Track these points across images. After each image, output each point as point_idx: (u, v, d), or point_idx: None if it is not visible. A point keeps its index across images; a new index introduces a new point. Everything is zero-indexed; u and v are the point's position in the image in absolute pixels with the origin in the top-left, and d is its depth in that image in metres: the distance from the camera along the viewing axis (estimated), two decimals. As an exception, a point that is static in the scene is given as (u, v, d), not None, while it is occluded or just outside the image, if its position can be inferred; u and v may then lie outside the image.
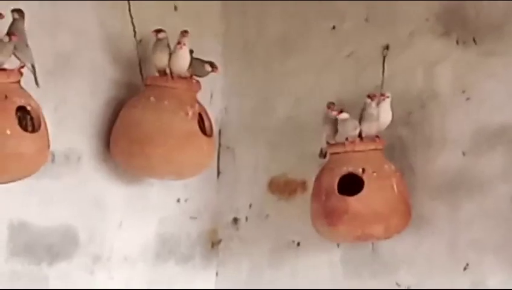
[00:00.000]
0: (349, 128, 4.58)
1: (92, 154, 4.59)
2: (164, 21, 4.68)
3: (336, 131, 4.63)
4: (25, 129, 4.02)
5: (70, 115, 4.46)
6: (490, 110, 4.62)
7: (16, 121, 3.97)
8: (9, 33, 3.98)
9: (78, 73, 4.50)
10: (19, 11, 4.00)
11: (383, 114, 4.61)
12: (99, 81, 4.60)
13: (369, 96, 4.59)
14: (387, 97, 4.61)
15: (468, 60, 4.67)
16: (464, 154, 4.67)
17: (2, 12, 3.96)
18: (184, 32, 4.55)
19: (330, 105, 4.62)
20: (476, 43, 4.66)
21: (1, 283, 4.21)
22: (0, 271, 4.21)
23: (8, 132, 3.93)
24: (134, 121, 4.55)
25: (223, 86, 5.16)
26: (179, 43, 4.54)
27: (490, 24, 4.64)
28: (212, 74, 4.74)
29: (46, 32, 4.22)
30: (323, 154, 4.70)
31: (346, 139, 4.59)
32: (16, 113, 3.99)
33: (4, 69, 3.99)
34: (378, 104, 4.61)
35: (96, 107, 4.60)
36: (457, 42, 4.71)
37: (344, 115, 4.56)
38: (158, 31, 4.57)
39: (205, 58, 4.65)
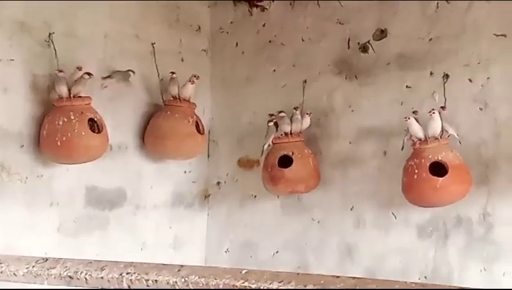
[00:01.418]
0: (285, 127, 4.56)
1: (134, 146, 4.61)
2: (175, 67, 4.67)
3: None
4: (93, 131, 4.12)
5: (121, 123, 4.51)
6: (364, 117, 4.59)
7: (87, 127, 4.08)
8: (88, 73, 4.06)
9: (126, 98, 4.55)
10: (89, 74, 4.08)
11: (305, 121, 4.60)
12: (138, 103, 4.63)
13: (295, 108, 4.59)
14: (308, 114, 4.59)
15: (352, 88, 4.64)
16: (350, 143, 4.64)
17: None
18: (193, 76, 4.60)
19: (271, 115, 4.64)
20: (357, 79, 4.63)
21: (81, 221, 4.30)
22: (80, 214, 4.30)
23: (83, 133, 4.06)
24: (158, 125, 4.57)
25: (211, 105, 5.10)
26: (190, 81, 4.57)
27: (364, 68, 4.60)
28: (204, 97, 4.84)
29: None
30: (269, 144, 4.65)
31: (286, 134, 4.57)
32: (88, 122, 4.09)
33: (81, 96, 4.09)
34: (302, 115, 4.59)
35: (136, 118, 4.61)
36: (345, 78, 4.66)
37: (270, 123, 4.58)
38: (172, 72, 4.59)
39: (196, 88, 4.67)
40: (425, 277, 4.35)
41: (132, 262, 2.07)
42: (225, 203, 5.08)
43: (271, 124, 4.60)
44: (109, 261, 2.09)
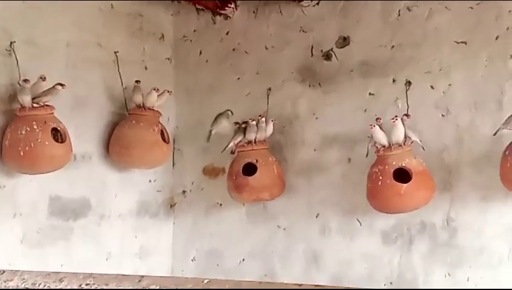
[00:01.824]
0: (251, 135, 4.52)
1: (98, 155, 4.55)
2: (139, 76, 4.63)
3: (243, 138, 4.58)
4: (57, 141, 4.06)
5: (85, 132, 4.44)
6: (329, 124, 4.59)
7: (51, 136, 4.02)
8: (60, 84, 4.01)
9: (89, 108, 4.49)
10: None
11: (268, 128, 4.56)
12: (101, 112, 4.58)
13: (260, 116, 4.57)
14: (272, 120, 4.56)
15: (316, 96, 4.64)
16: (315, 150, 4.63)
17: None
18: (165, 91, 4.62)
19: (236, 123, 4.63)
20: (320, 86, 4.63)
21: (44, 232, 4.23)
22: (44, 225, 4.24)
23: (46, 143, 4.00)
24: (123, 134, 4.53)
25: (175, 114, 5.07)
26: (155, 89, 4.53)
27: (328, 75, 4.61)
28: (168, 106, 4.80)
29: (70, 85, 4.14)
30: (233, 152, 4.64)
31: (249, 142, 4.54)
32: (51, 132, 4.03)
33: (48, 105, 4.03)
34: (266, 122, 4.56)
35: (100, 127, 4.56)
36: (309, 86, 4.67)
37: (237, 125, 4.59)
38: (137, 81, 4.55)
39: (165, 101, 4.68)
40: (390, 283, 4.36)
41: (92, 273, 2.03)
42: (191, 211, 5.04)
43: (237, 126, 4.59)
44: (68, 273, 2.04)
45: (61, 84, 4.02)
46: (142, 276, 2.00)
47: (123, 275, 2.04)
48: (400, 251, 4.34)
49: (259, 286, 1.85)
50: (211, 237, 4.96)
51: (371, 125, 4.10)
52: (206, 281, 1.92)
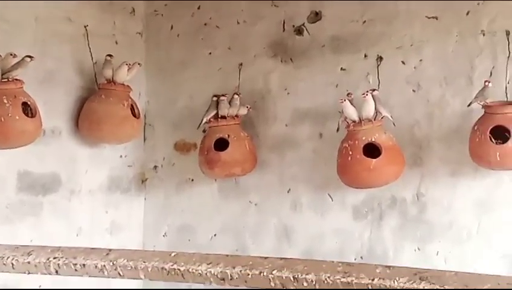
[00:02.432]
0: (223, 110, 4.55)
1: (68, 130, 4.52)
2: (109, 50, 4.59)
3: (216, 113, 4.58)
4: (27, 115, 4.04)
5: (54, 107, 4.41)
6: (300, 100, 4.60)
7: (21, 111, 4.00)
8: (29, 56, 3.98)
9: (58, 82, 4.45)
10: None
11: (242, 110, 4.57)
12: (71, 86, 4.53)
13: (235, 94, 4.59)
14: (248, 107, 4.58)
15: (288, 71, 4.65)
16: (286, 125, 4.65)
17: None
18: (135, 63, 4.59)
19: (214, 96, 4.62)
20: (292, 61, 4.64)
21: (13, 207, 4.22)
22: (12, 200, 4.22)
23: (17, 117, 3.97)
24: (93, 110, 4.49)
25: (146, 89, 5.05)
26: (126, 64, 4.52)
27: (299, 50, 4.61)
28: (139, 81, 4.79)
29: (39, 60, 4.13)
30: (203, 129, 4.66)
31: (222, 117, 4.55)
32: (22, 106, 4.01)
33: (17, 79, 4.00)
34: (240, 98, 4.58)
35: (70, 102, 4.52)
36: (281, 61, 4.67)
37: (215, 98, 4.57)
38: (109, 55, 4.52)
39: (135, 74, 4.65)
40: (361, 257, 4.42)
41: (60, 247, 2.04)
42: (162, 187, 5.05)
43: (215, 98, 4.59)
44: (36, 246, 2.06)
45: (30, 57, 3.99)
46: (110, 249, 2.02)
47: (91, 248, 2.05)
48: (370, 225, 4.40)
49: (226, 259, 1.88)
50: (183, 212, 4.98)
51: (341, 100, 4.14)
52: (173, 254, 1.94)
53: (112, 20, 4.84)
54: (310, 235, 4.58)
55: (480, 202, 4.11)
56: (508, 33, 4.03)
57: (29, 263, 2.03)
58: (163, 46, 5.06)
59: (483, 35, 4.12)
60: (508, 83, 4.00)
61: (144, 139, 5.09)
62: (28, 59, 3.99)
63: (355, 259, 4.42)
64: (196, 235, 4.92)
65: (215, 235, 4.86)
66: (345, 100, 4.12)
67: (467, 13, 4.17)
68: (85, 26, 4.59)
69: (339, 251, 4.45)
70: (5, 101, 3.96)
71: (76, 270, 2.00)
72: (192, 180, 4.93)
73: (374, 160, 4.02)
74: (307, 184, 4.59)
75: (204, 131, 4.67)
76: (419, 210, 4.27)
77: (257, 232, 4.74)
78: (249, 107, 4.61)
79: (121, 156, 4.91)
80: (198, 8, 4.98)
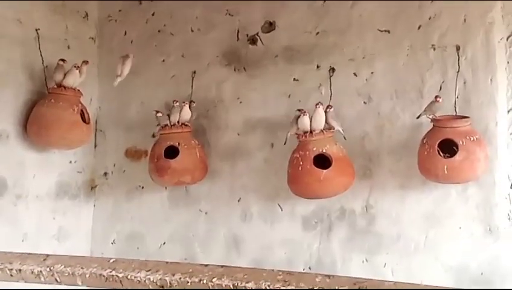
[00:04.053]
0: (174, 118, 4.51)
1: (16, 134, 4.44)
2: (61, 55, 4.53)
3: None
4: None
5: (2, 110, 4.33)
6: (253, 109, 4.60)
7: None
8: None
9: (7, 84, 4.37)
10: None
11: (184, 111, 4.53)
12: (20, 90, 4.46)
13: (181, 101, 4.55)
14: (187, 103, 4.52)
15: (241, 80, 4.65)
16: (238, 134, 4.65)
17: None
18: (83, 63, 4.51)
19: (157, 110, 4.58)
20: (245, 70, 4.64)
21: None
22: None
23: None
24: (41, 114, 4.42)
25: (98, 94, 5.01)
26: (75, 67, 4.45)
27: (253, 60, 4.62)
28: (91, 86, 4.71)
29: None
30: (154, 136, 4.62)
31: (173, 124, 4.51)
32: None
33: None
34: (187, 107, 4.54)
35: (19, 105, 4.44)
36: (234, 70, 4.67)
37: (159, 114, 4.52)
38: (62, 60, 4.46)
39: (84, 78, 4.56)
40: (309, 268, 4.41)
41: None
42: (112, 194, 5.01)
43: (159, 114, 4.54)
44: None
45: None
46: (48, 255, 1.97)
47: (28, 253, 2.00)
48: (319, 236, 4.39)
49: (165, 266, 1.85)
50: (132, 220, 4.94)
51: (302, 111, 4.10)
52: (111, 260, 1.90)
53: (64, 24, 4.78)
54: (259, 245, 4.56)
55: (427, 215, 4.13)
56: (458, 48, 4.07)
57: (-37, 267, 1.97)
58: (117, 51, 4.99)
59: (434, 49, 4.15)
60: (457, 97, 4.04)
61: (95, 145, 5.04)
62: None
63: (303, 269, 4.39)
64: (145, 243, 4.87)
65: (164, 243, 4.81)
66: (304, 112, 4.09)
67: (419, 27, 4.21)
68: (36, 30, 4.52)
69: (288, 261, 4.44)
70: (-49, 104, 3.88)
71: (11, 275, 1.95)
72: (143, 187, 4.89)
73: (324, 171, 4.01)
74: (257, 194, 4.58)
75: (153, 136, 4.63)
76: (368, 222, 4.28)
77: (206, 241, 4.70)
78: (192, 101, 4.59)
79: (70, 162, 4.85)
80: (153, 14, 4.95)
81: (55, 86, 4.47)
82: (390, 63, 4.27)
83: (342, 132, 4.15)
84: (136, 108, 4.96)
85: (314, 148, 4.06)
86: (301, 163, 4.06)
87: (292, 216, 4.46)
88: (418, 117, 3.98)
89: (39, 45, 4.52)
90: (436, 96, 3.92)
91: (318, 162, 4.05)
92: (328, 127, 4.14)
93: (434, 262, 4.09)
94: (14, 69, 4.42)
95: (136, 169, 4.90)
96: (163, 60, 4.89)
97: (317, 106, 4.11)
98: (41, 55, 4.53)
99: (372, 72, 4.31)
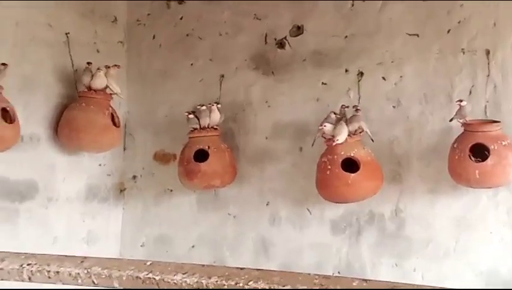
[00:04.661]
0: (204, 121, 4.53)
1: (47, 137, 4.48)
2: (91, 58, 4.57)
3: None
4: (6, 121, 4.00)
5: (33, 113, 4.37)
6: (281, 113, 4.61)
7: (0, 117, 3.96)
8: (3, 63, 3.94)
9: (38, 88, 4.41)
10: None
11: (214, 114, 4.55)
12: (51, 93, 4.50)
13: (210, 104, 4.57)
14: (214, 105, 4.53)
15: (269, 84, 4.66)
16: (267, 138, 4.65)
17: None
18: (113, 67, 4.54)
19: (189, 111, 4.59)
20: (273, 74, 4.65)
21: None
22: (-12, 207, 4.17)
23: (-5, 123, 3.94)
24: (73, 117, 4.46)
25: (127, 97, 5.03)
26: (103, 70, 4.48)
27: (281, 64, 4.63)
28: (121, 90, 4.70)
29: (17, 64, 4.14)
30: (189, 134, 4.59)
31: (203, 127, 4.53)
32: (1, 112, 3.98)
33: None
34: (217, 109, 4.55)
35: (49, 109, 4.48)
36: (262, 73, 4.69)
37: (191, 116, 4.53)
38: (88, 63, 4.50)
39: (115, 84, 4.59)
40: (338, 272, 4.40)
41: (34, 253, 2.01)
42: (141, 197, 5.04)
43: (191, 116, 4.56)
44: (10, 252, 2.02)
45: (4, 64, 3.96)
46: (85, 257, 1.99)
47: (66, 255, 2.02)
48: (348, 240, 4.39)
49: (201, 269, 1.86)
50: (161, 223, 4.96)
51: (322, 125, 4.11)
52: (148, 263, 1.92)
53: (93, 28, 4.82)
54: (287, 248, 4.56)
55: (458, 220, 4.12)
56: (487, 52, 4.05)
57: (2, 269, 1.99)
58: (145, 55, 5.06)
59: (464, 53, 4.14)
60: (487, 101, 4.01)
61: (124, 149, 5.07)
62: (2, 67, 3.95)
63: (333, 274, 4.40)
64: (174, 246, 4.90)
65: (193, 246, 4.83)
66: (325, 125, 4.09)
67: (448, 31, 4.19)
68: (66, 34, 4.57)
69: (317, 265, 4.44)
70: (-17, 107, 3.93)
71: (49, 277, 1.96)
72: (171, 191, 4.91)
73: (352, 175, 4.01)
74: (285, 198, 4.59)
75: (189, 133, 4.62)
76: (398, 226, 4.27)
77: (235, 245, 4.72)
78: (216, 103, 4.59)
79: (100, 165, 4.88)
80: (181, 18, 4.98)
81: (86, 90, 4.51)
82: (419, 67, 4.26)
83: (369, 134, 4.14)
84: (164, 112, 4.99)
85: (342, 152, 4.06)
86: (329, 167, 4.06)
87: (321, 220, 4.47)
88: (450, 120, 3.97)
89: (69, 48, 4.57)
90: (459, 101, 3.90)
91: (346, 166, 4.05)
92: (356, 130, 4.12)
93: (464, 267, 4.08)
94: (44, 72, 4.47)
95: (165, 172, 4.93)
96: (192, 64, 4.91)
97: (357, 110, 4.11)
98: (71, 59, 4.58)
99: (401, 76, 4.30)
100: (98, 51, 4.82)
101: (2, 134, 4.00)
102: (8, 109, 4.02)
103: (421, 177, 4.22)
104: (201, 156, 4.52)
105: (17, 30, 4.27)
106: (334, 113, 4.18)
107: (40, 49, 4.41)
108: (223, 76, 4.77)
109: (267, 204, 4.64)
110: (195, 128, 4.57)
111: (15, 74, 4.13)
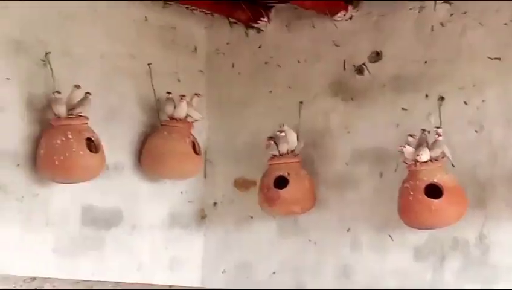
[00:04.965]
0: (283, 148, 4.54)
1: (130, 165, 4.59)
2: (172, 88, 4.66)
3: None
4: (91, 151, 4.10)
5: (117, 143, 4.48)
6: (361, 139, 4.57)
7: (85, 146, 4.06)
8: (88, 92, 4.07)
9: (122, 118, 4.53)
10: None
11: (292, 137, 4.58)
12: (134, 123, 4.61)
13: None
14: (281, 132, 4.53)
15: (348, 110, 4.63)
16: (346, 164, 4.62)
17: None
18: (182, 96, 4.59)
19: (269, 138, 4.60)
20: (352, 100, 4.62)
21: (76, 242, 4.27)
22: (76, 235, 4.28)
23: (81, 153, 4.04)
24: (155, 146, 4.55)
25: (208, 126, 5.07)
26: (185, 100, 4.56)
27: (360, 90, 4.60)
28: (201, 119, 4.80)
29: (102, 95, 4.25)
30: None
31: (283, 154, 4.54)
32: (86, 141, 4.07)
33: (82, 116, 4.07)
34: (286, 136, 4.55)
35: (132, 138, 4.59)
36: (341, 100, 4.66)
37: (269, 143, 4.55)
38: (169, 92, 4.59)
39: (195, 111, 4.67)
40: (422, 299, 4.31)
41: (119, 282, 2.04)
42: (222, 224, 5.04)
43: (270, 142, 4.57)
44: (97, 281, 2.05)
45: (88, 93, 4.08)
46: (171, 286, 2.00)
47: (151, 284, 2.04)
48: (431, 267, 4.30)
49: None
50: (242, 249, 4.96)
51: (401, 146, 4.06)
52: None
53: (174, 58, 4.90)
54: (369, 275, 4.50)
55: (545, 246, 3.99)
56: None
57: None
58: (225, 84, 5.09)
59: (547, 76, 4.04)
60: None
61: (205, 176, 5.09)
62: (87, 96, 4.07)
63: (415, 301, 4.32)
64: (255, 273, 4.88)
65: (273, 273, 4.81)
66: (405, 146, 4.05)
67: (531, 54, 4.10)
68: (148, 64, 4.65)
69: (399, 292, 4.37)
70: (70, 136, 4.05)
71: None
72: (252, 217, 4.90)
73: (435, 201, 3.95)
74: (366, 223, 4.53)
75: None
76: (482, 252, 4.16)
77: (316, 271, 4.67)
78: (280, 126, 4.58)
79: (181, 192, 4.93)
80: (259, 46, 5.01)
81: (168, 119, 4.59)
82: (502, 91, 4.17)
83: (450, 159, 4.07)
84: (244, 139, 5.00)
85: (425, 178, 4.01)
86: (412, 193, 4.02)
87: (403, 246, 4.39)
88: None
89: (151, 78, 4.65)
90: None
91: (429, 191, 3.99)
92: (438, 155, 4.05)
93: (552, 295, 3.94)
94: (128, 102, 4.58)
95: (245, 199, 4.93)
96: (270, 91, 4.92)
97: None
98: (153, 88, 4.66)
99: (483, 100, 4.21)
100: (179, 80, 4.89)
101: (88, 164, 4.11)
102: (93, 138, 4.12)
103: (505, 202, 4.11)
104: (282, 182, 4.52)
105: (102, 62, 4.40)
106: (411, 136, 4.14)
107: (124, 80, 4.54)
108: (302, 103, 4.76)
109: (347, 230, 4.58)
110: (275, 155, 4.58)
111: (100, 105, 4.26)
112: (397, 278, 4.39)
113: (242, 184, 4.99)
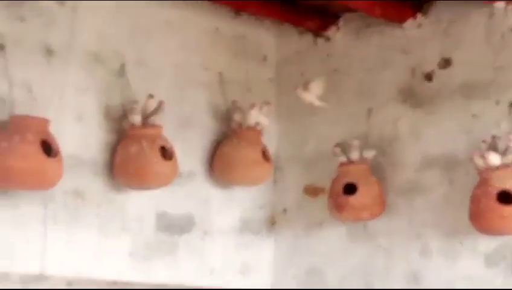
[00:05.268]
0: (353, 155, 4.58)
1: (202, 173, 4.64)
2: (242, 96, 4.74)
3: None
4: (165, 159, 4.17)
5: (190, 150, 4.55)
6: (430, 146, 4.55)
7: (159, 154, 4.14)
8: (161, 101, 4.15)
9: (194, 126, 4.60)
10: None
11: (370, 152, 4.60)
12: (206, 131, 4.67)
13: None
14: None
15: (417, 117, 4.61)
16: (415, 171, 4.60)
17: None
18: (252, 105, 4.65)
19: (336, 145, 4.67)
20: (421, 107, 4.60)
21: (151, 247, 4.36)
22: (151, 240, 4.36)
23: (155, 160, 4.12)
24: (225, 153, 4.61)
25: (278, 133, 5.10)
26: (255, 108, 4.61)
27: (429, 97, 4.57)
28: (270, 125, 4.84)
29: (176, 104, 4.37)
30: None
31: (352, 161, 4.57)
32: (159, 150, 4.15)
33: (156, 125, 4.17)
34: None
35: (204, 146, 4.65)
36: (410, 106, 4.65)
37: (337, 150, 4.61)
38: (235, 101, 4.70)
39: (266, 119, 4.73)
40: (492, 306, 4.27)
41: (194, 289, 2.07)
42: (291, 230, 5.05)
43: (338, 149, 4.62)
44: (174, 288, 2.10)
45: (161, 101, 4.17)
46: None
47: (223, 288, 2.08)
48: (502, 273, 4.25)
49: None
50: (311, 255, 4.96)
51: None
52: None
53: (245, 68, 4.96)
54: (439, 281, 4.46)
55: None
56: None
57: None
58: (293, 92, 5.09)
59: None
60: None
61: (274, 182, 5.11)
62: (160, 104, 4.17)
63: (486, 308, 4.27)
64: (324, 278, 4.88)
65: (343, 278, 4.81)
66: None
67: None
68: (219, 73, 4.72)
69: (470, 298, 4.33)
70: (144, 144, 4.13)
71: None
72: (321, 223, 4.91)
73: (507, 207, 3.91)
74: (436, 230, 4.50)
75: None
76: (557, 259, 4.10)
77: (385, 277, 4.66)
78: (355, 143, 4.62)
79: (251, 198, 4.96)
80: (328, 55, 5.03)
81: (237, 126, 4.65)
82: None
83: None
84: (313, 146, 5.01)
85: (497, 184, 3.97)
86: (483, 199, 3.98)
87: (474, 253, 4.34)
88: None
89: (222, 87, 4.71)
90: None
91: (501, 198, 3.96)
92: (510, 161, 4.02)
93: None
94: (200, 111, 4.65)
95: (314, 205, 4.94)
96: (339, 99, 4.93)
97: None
98: (224, 97, 4.73)
99: (553, 107, 4.16)
100: (249, 89, 4.94)
101: (160, 170, 4.18)
102: (166, 146, 4.19)
103: None
104: (351, 189, 4.53)
105: (176, 72, 4.49)
106: (485, 142, 4.12)
107: (196, 90, 4.61)
108: (370, 110, 4.76)
109: (417, 236, 4.56)
110: (344, 162, 4.60)
111: (174, 113, 4.35)
112: (467, 284, 4.35)
113: (311, 191, 5.00)
